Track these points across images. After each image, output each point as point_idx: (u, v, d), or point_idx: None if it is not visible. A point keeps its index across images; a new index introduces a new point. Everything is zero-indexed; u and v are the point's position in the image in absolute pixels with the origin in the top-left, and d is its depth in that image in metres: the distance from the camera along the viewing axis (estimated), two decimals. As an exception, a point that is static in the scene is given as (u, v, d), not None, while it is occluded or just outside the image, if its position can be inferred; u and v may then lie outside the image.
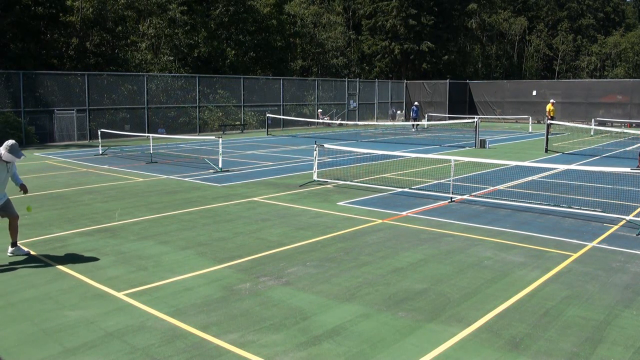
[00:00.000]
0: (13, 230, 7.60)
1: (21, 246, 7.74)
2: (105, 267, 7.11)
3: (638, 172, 13.99)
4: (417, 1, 49.30)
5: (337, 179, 13.86)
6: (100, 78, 27.00)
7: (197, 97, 30.00)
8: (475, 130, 22.92)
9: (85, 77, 25.67)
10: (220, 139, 16.16)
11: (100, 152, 20.11)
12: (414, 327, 5.38)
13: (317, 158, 13.92)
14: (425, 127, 33.31)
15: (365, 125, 34.37)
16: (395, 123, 36.92)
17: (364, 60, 54.75)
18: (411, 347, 4.97)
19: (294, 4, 46.98)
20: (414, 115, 33.16)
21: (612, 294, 6.24)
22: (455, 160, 12.06)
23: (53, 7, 27.38)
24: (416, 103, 35.18)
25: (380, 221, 9.62)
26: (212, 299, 6.06)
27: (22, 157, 7.57)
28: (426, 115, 37.08)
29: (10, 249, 7.61)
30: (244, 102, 32.61)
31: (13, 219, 7.60)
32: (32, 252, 7.68)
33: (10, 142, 7.48)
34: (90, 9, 29.57)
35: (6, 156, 7.40)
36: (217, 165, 15.75)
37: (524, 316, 5.62)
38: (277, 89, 34.77)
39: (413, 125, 32.30)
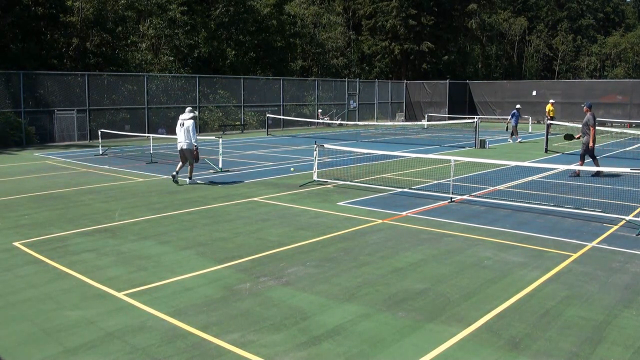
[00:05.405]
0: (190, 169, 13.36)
1: (195, 179, 13.30)
2: (105, 267, 7.11)
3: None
4: (417, 1, 49.27)
5: (337, 179, 13.86)
6: (101, 78, 26.98)
7: (197, 98, 29.99)
8: (475, 130, 22.92)
9: (86, 77, 25.65)
10: (221, 139, 16.17)
11: (101, 152, 20.11)
12: (414, 327, 5.38)
13: (317, 158, 13.92)
14: (425, 127, 33.27)
15: (365, 125, 34.36)
16: (396, 123, 36.91)
17: (364, 60, 54.74)
18: (411, 347, 4.97)
19: (294, 4, 46.96)
20: (515, 122, 25.17)
21: (612, 294, 6.24)
22: (455, 161, 12.07)
23: (53, 7, 27.37)
24: (518, 106, 26.54)
25: (380, 221, 9.62)
26: (212, 299, 6.06)
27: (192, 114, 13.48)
28: (426, 116, 37.08)
29: (188, 181, 13.16)
30: (244, 102, 32.60)
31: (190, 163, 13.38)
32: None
33: (188, 108, 13.41)
34: (91, 9, 29.54)
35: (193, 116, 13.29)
36: (217, 166, 15.76)
37: (524, 316, 5.62)
38: (277, 89, 34.76)
39: (511, 133, 25.41)
